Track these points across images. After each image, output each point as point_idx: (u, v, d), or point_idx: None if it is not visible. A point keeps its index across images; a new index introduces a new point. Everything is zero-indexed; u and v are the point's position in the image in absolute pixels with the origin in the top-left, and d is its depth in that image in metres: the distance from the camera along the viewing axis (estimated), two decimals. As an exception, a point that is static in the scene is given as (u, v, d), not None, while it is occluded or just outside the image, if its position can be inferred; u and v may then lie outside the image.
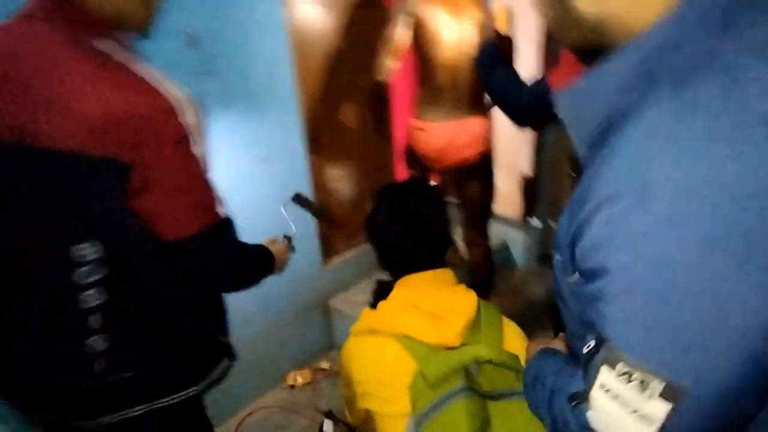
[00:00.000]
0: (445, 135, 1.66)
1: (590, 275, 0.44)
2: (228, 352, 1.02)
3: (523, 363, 0.83)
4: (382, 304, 0.93)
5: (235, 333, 1.05)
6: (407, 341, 0.84)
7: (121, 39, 0.77)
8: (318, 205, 1.40)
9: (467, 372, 0.77)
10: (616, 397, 0.41)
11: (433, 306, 0.89)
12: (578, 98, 0.49)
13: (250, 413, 1.84)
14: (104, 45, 0.73)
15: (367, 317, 0.93)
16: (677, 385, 0.38)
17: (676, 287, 0.37)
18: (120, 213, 0.73)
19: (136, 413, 0.89)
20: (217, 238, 0.83)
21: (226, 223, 0.85)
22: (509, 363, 0.81)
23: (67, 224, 0.73)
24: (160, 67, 0.76)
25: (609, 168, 0.42)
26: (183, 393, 0.92)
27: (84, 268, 0.75)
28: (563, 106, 0.52)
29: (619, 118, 0.43)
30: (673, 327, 0.38)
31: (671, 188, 0.37)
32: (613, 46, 0.45)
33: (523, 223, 2.69)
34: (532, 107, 1.23)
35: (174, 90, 0.74)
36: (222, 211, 0.84)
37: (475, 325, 0.86)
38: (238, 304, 1.12)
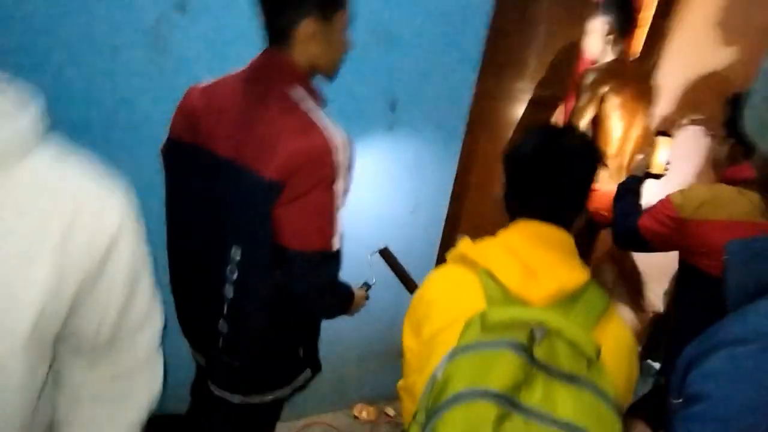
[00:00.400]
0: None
1: (693, 399, 0.50)
2: (313, 364, 1.15)
3: (608, 363, 0.68)
4: (485, 238, 0.87)
5: (324, 347, 1.17)
6: (488, 280, 0.78)
7: (310, 85, 0.97)
8: (401, 267, 1.44)
9: (531, 333, 0.67)
10: None
11: (533, 260, 0.80)
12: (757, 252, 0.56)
13: (310, 424, 1.97)
14: (296, 94, 0.93)
15: (464, 245, 0.87)
16: None
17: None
18: (266, 224, 0.90)
19: (234, 401, 1.07)
20: (323, 263, 0.96)
21: (334, 255, 0.98)
22: (583, 345, 0.67)
23: (236, 227, 0.94)
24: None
25: (755, 313, 0.49)
26: (272, 394, 1.08)
27: (230, 266, 0.95)
28: (736, 253, 0.60)
29: None
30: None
31: None
32: None
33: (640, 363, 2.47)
34: (628, 235, 1.48)
35: (337, 133, 0.91)
36: (336, 244, 0.96)
37: (571, 302, 0.75)
38: (339, 324, 1.27)
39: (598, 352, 0.68)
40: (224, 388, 1.09)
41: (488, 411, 0.59)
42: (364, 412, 2.06)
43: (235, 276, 0.95)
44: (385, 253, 1.32)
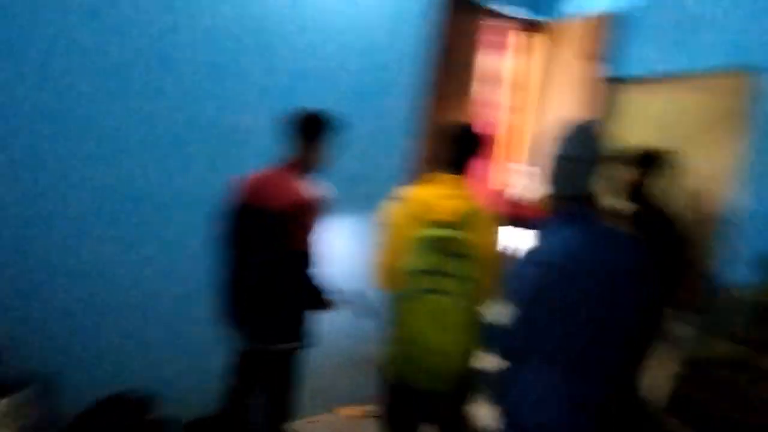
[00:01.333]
0: None
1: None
2: (302, 339, 1.85)
3: (478, 239, 1.51)
4: (419, 186, 1.68)
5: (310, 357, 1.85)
6: (421, 210, 1.56)
7: (309, 171, 1.78)
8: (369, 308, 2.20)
9: (443, 241, 1.48)
10: None
11: (441, 197, 1.59)
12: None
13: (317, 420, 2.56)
14: (301, 175, 1.76)
15: (405, 190, 1.68)
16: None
17: (518, 280, 1.25)
18: (278, 237, 1.68)
19: (260, 349, 1.80)
20: (302, 256, 1.75)
21: (306, 253, 1.76)
22: (464, 241, 1.48)
23: (263, 241, 1.69)
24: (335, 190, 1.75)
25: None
26: (285, 344, 1.81)
27: (262, 265, 1.69)
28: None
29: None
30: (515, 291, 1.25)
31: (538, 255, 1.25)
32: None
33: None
34: None
35: (321, 191, 1.72)
36: (310, 248, 1.75)
37: (463, 217, 1.52)
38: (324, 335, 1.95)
39: (472, 243, 1.49)
40: (260, 341, 1.79)
41: (427, 277, 1.48)
42: (348, 412, 2.59)
43: (262, 271, 1.70)
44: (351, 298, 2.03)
